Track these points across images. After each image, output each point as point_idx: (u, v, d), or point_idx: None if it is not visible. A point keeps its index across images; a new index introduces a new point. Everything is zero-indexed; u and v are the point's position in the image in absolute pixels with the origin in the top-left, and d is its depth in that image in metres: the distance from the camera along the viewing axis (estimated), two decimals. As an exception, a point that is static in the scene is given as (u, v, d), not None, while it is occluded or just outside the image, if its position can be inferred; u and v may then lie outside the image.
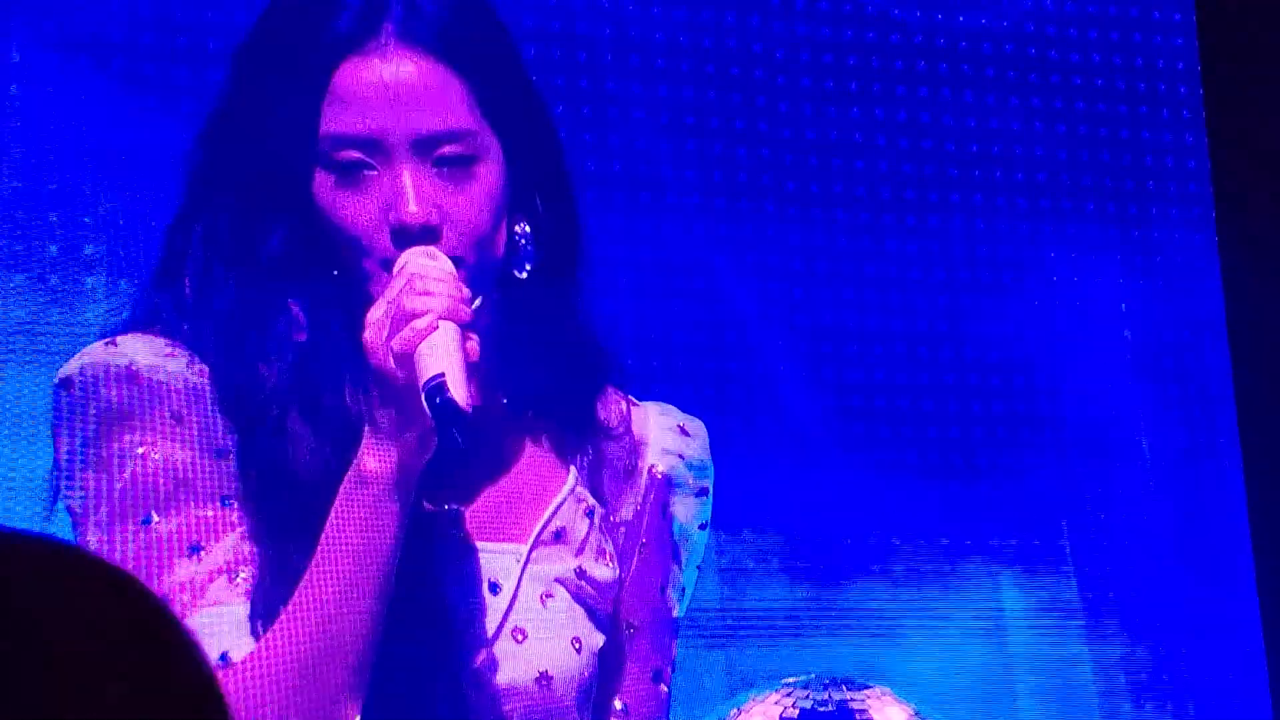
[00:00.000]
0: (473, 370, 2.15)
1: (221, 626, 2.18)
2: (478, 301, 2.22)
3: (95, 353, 2.25)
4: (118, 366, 2.23)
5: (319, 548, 2.15)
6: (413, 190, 2.21)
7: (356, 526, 2.17)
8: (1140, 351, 3.36)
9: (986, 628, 3.17)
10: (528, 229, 2.33)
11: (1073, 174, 3.38)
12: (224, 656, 2.15)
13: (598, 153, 3.06)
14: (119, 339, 2.28)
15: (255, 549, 2.17)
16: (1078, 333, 3.34)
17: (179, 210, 2.33)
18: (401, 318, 2.08)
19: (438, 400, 2.01)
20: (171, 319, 2.28)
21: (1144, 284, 3.39)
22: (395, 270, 2.19)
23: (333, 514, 2.15)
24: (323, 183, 2.27)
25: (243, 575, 2.17)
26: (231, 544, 2.19)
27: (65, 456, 2.26)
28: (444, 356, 2.05)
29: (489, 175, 2.32)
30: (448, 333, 2.07)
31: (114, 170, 2.64)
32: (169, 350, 2.25)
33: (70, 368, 2.25)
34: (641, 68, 3.09)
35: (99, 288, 2.60)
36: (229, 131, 2.37)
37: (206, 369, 2.23)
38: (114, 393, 2.21)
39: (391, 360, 2.07)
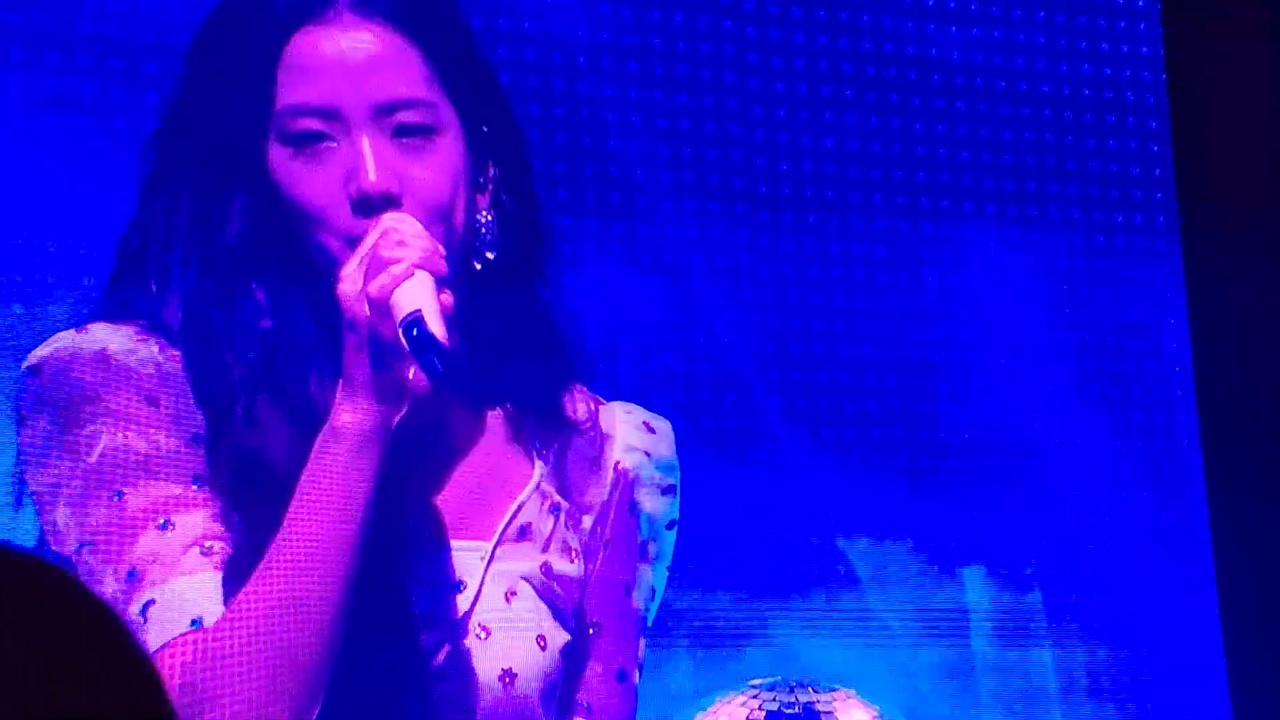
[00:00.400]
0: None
1: (194, 593, 2.18)
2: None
3: (65, 339, 2.25)
4: (89, 351, 2.22)
5: (291, 505, 2.15)
6: (372, 158, 2.20)
7: (329, 482, 2.17)
8: (1101, 354, 3.43)
9: (951, 630, 3.21)
10: (490, 218, 2.34)
11: (1042, 181, 3.45)
12: (196, 621, 2.16)
13: (570, 154, 3.08)
14: (89, 326, 2.28)
15: (225, 529, 2.18)
16: (1045, 337, 3.40)
17: (140, 199, 2.34)
18: (377, 265, 2.09)
19: (415, 332, 2.02)
20: (141, 307, 2.28)
21: (1106, 289, 3.46)
22: (370, 230, 2.21)
23: (306, 471, 2.15)
24: (280, 156, 2.25)
25: (216, 548, 2.17)
26: (202, 520, 2.19)
27: (33, 441, 2.26)
28: (420, 299, 2.07)
29: (449, 149, 2.31)
30: (423, 280, 2.08)
31: (78, 164, 2.64)
32: (140, 336, 2.25)
33: (40, 354, 2.24)
34: (613, 70, 3.11)
35: (61, 285, 2.61)
36: (186, 114, 2.37)
37: (179, 354, 2.24)
38: (85, 376, 2.20)
39: (366, 307, 2.08)
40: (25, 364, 2.29)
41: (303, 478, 2.18)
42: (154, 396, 2.24)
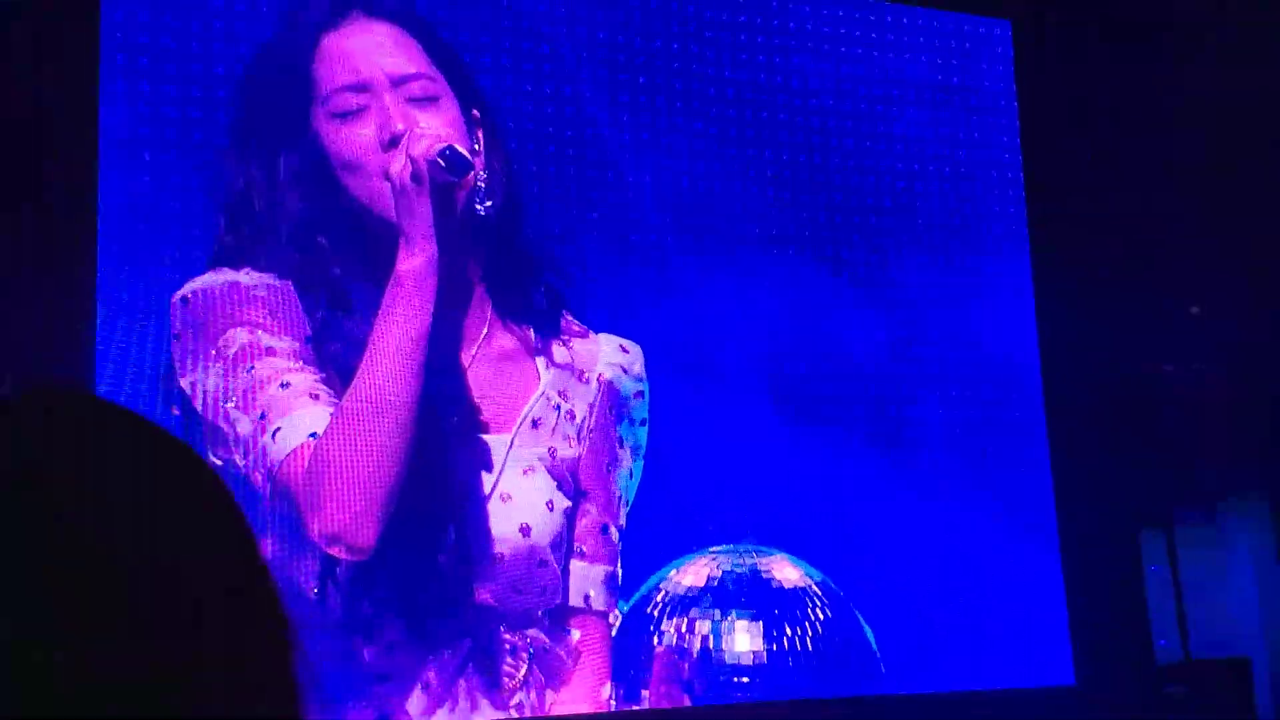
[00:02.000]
0: (468, 288, 3.24)
1: (310, 419, 3.12)
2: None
3: (204, 278, 3.24)
4: (222, 284, 3.21)
5: (370, 339, 3.10)
6: (396, 111, 3.29)
7: (395, 316, 3.14)
8: (975, 352, 4.14)
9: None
10: (484, 175, 3.31)
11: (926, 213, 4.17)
12: (313, 434, 3.10)
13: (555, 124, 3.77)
14: (218, 269, 3.27)
15: (330, 390, 3.14)
16: (935, 340, 4.11)
17: (228, 181, 3.32)
18: (414, 140, 3.15)
19: (448, 154, 3.16)
20: (255, 253, 3.27)
21: (979, 301, 4.17)
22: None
23: (378, 316, 3.13)
24: (328, 127, 3.32)
25: (322, 395, 3.13)
26: (310, 379, 3.15)
27: (184, 351, 3.21)
28: (449, 141, 3.19)
29: (448, 110, 3.40)
30: (447, 141, 3.20)
31: (186, 161, 3.47)
32: (252, 272, 3.26)
33: (187, 289, 3.21)
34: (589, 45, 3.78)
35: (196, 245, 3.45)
36: (254, 112, 3.39)
37: (289, 283, 3.22)
38: (221, 299, 3.19)
39: (409, 175, 3.12)
40: (176, 297, 3.25)
41: (376, 321, 3.18)
42: (274, 308, 3.22)
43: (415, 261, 3.17)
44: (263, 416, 3.10)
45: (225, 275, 3.26)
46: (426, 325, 3.15)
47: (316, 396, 3.11)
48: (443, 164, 3.12)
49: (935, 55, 4.22)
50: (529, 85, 3.61)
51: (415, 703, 3.23)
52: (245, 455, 3.12)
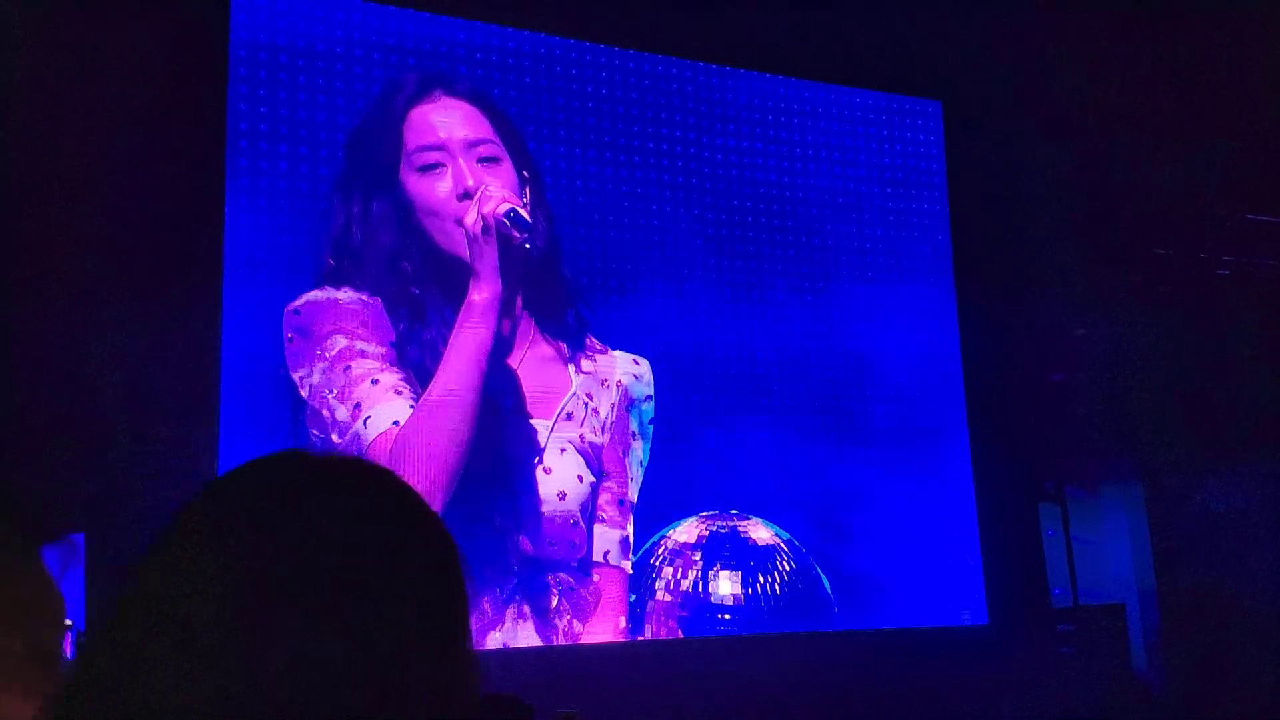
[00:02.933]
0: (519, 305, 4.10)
1: (394, 411, 3.90)
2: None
3: (312, 294, 4.01)
4: (326, 299, 4.02)
5: (444, 357, 3.89)
6: (469, 171, 4.13)
7: (466, 338, 3.95)
8: (910, 361, 4.91)
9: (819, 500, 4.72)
10: (531, 221, 4.04)
11: (876, 251, 4.98)
12: (396, 422, 3.87)
13: (580, 178, 4.64)
14: (324, 287, 4.01)
15: (411, 387, 3.92)
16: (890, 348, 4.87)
17: (337, 217, 4.02)
18: (485, 199, 3.94)
19: (512, 215, 3.93)
20: (352, 276, 4.01)
21: (913, 320, 4.97)
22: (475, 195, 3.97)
23: (452, 335, 3.92)
24: (415, 179, 4.11)
25: (405, 392, 3.89)
26: (396, 378, 3.91)
27: (296, 352, 3.94)
28: (512, 204, 3.95)
29: (507, 173, 4.26)
30: (511, 200, 3.98)
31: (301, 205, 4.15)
32: (352, 290, 4.02)
33: (298, 303, 4.00)
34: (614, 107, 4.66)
35: (306, 269, 4.12)
36: (357, 163, 4.12)
37: (378, 300, 3.99)
38: (326, 312, 3.96)
39: (481, 228, 3.91)
40: (289, 308, 3.98)
41: (452, 336, 3.97)
42: (366, 320, 4.00)
43: (484, 294, 3.96)
44: (357, 406, 3.83)
45: (328, 293, 3.97)
46: (489, 342, 3.92)
47: (400, 392, 3.87)
48: (508, 223, 3.90)
49: (876, 128, 5.07)
50: (564, 151, 4.46)
51: (472, 624, 3.93)
52: (341, 435, 3.82)
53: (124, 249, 3.68)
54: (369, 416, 3.80)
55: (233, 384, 3.81)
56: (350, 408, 3.81)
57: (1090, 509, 5.14)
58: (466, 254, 3.97)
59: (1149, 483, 5.13)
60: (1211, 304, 5.08)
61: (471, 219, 3.96)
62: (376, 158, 4.10)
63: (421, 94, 4.19)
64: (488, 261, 3.93)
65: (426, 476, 3.81)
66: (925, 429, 4.92)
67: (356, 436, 3.78)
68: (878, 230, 5.02)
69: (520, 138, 4.32)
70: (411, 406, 3.84)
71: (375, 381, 3.83)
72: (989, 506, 4.86)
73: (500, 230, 3.92)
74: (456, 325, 3.93)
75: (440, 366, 3.88)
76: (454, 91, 4.22)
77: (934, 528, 4.84)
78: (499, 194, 3.98)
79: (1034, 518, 5.03)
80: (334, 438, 3.79)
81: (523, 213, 3.93)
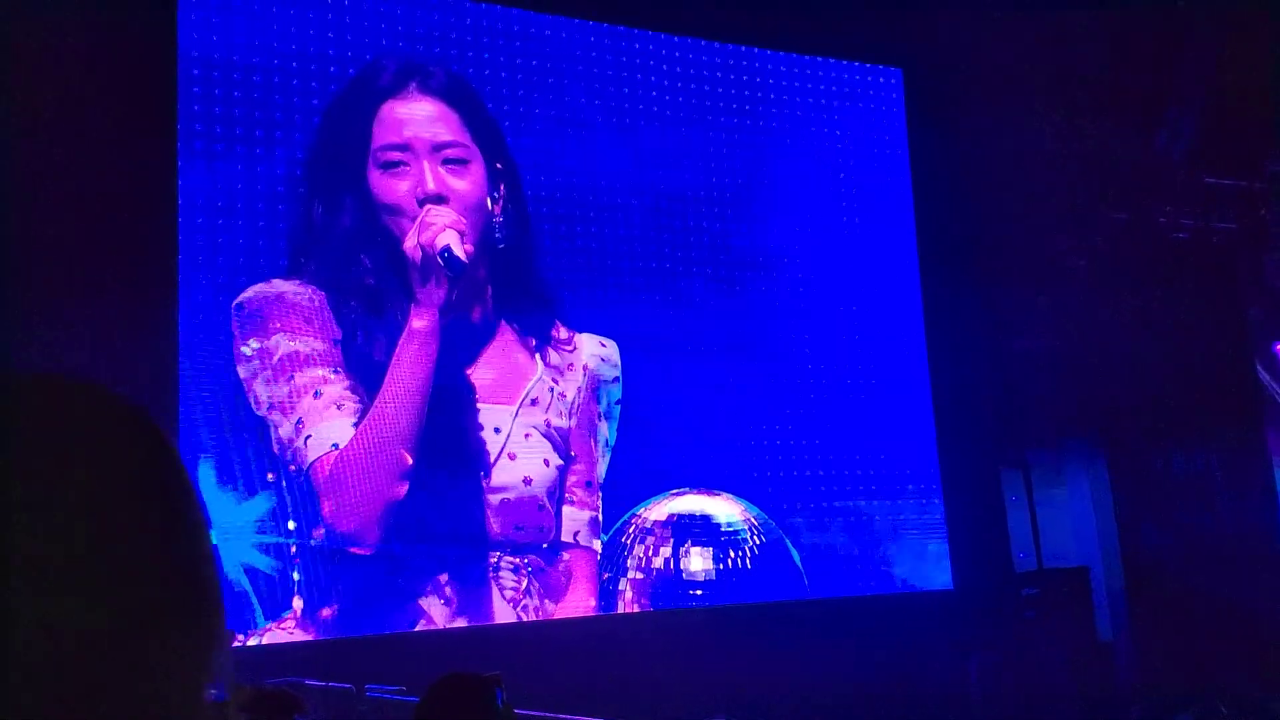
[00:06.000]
0: (478, 289, 3.99)
1: (333, 431, 3.81)
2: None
3: (258, 287, 3.90)
4: (272, 294, 3.92)
5: (386, 378, 3.83)
6: (431, 175, 4.06)
7: (407, 363, 3.86)
8: (875, 337, 4.92)
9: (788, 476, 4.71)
10: (501, 218, 4.04)
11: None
12: (335, 445, 3.78)
13: (555, 169, 4.57)
14: (271, 280, 3.92)
15: (354, 395, 3.86)
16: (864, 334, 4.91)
17: (301, 205, 3.95)
18: (423, 228, 3.86)
19: (446, 254, 3.84)
20: (301, 267, 3.94)
21: (879, 295, 4.96)
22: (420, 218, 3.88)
23: (393, 358, 3.84)
24: (376, 175, 4.01)
25: (347, 406, 3.83)
26: (339, 390, 3.85)
27: (241, 347, 3.84)
28: (451, 239, 3.90)
29: (476, 173, 4.16)
30: (450, 234, 3.89)
31: (260, 189, 4.09)
32: (301, 284, 3.95)
33: (243, 296, 3.89)
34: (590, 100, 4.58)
35: (262, 259, 4.07)
36: (323, 154, 4.01)
37: (323, 294, 3.92)
38: (271, 308, 3.87)
39: (421, 255, 3.83)
40: (234, 303, 3.88)
41: (392, 360, 3.89)
42: (310, 317, 3.92)
43: (423, 322, 3.93)
44: (299, 423, 3.76)
45: (275, 287, 3.86)
46: (430, 370, 3.86)
47: (341, 406, 3.79)
48: (441, 262, 3.81)
49: (839, 99, 4.97)
50: (545, 145, 4.36)
51: (440, 611, 3.93)
52: (283, 450, 3.75)
53: (78, 248, 3.58)
54: (309, 436, 3.76)
55: (190, 380, 3.72)
56: (293, 423, 3.75)
57: (1053, 474, 5.15)
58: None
59: (1111, 447, 5.13)
60: (1171, 267, 5.07)
61: (411, 244, 3.94)
62: (342, 149, 4.01)
63: (396, 87, 4.10)
64: (427, 291, 3.93)
65: (359, 514, 3.77)
66: (889, 397, 4.91)
67: (297, 454, 3.76)
68: (840, 200, 4.96)
69: (496, 130, 4.25)
70: (354, 425, 3.78)
71: (318, 394, 3.77)
72: (953, 473, 4.88)
73: (439, 260, 3.88)
74: (396, 353, 3.90)
75: (379, 394, 3.82)
76: (428, 87, 4.12)
77: (900, 498, 4.85)
78: (441, 222, 3.91)
79: (997, 484, 5.03)
80: (282, 453, 3.75)
81: (458, 251, 3.85)
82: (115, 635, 0.49)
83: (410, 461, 3.91)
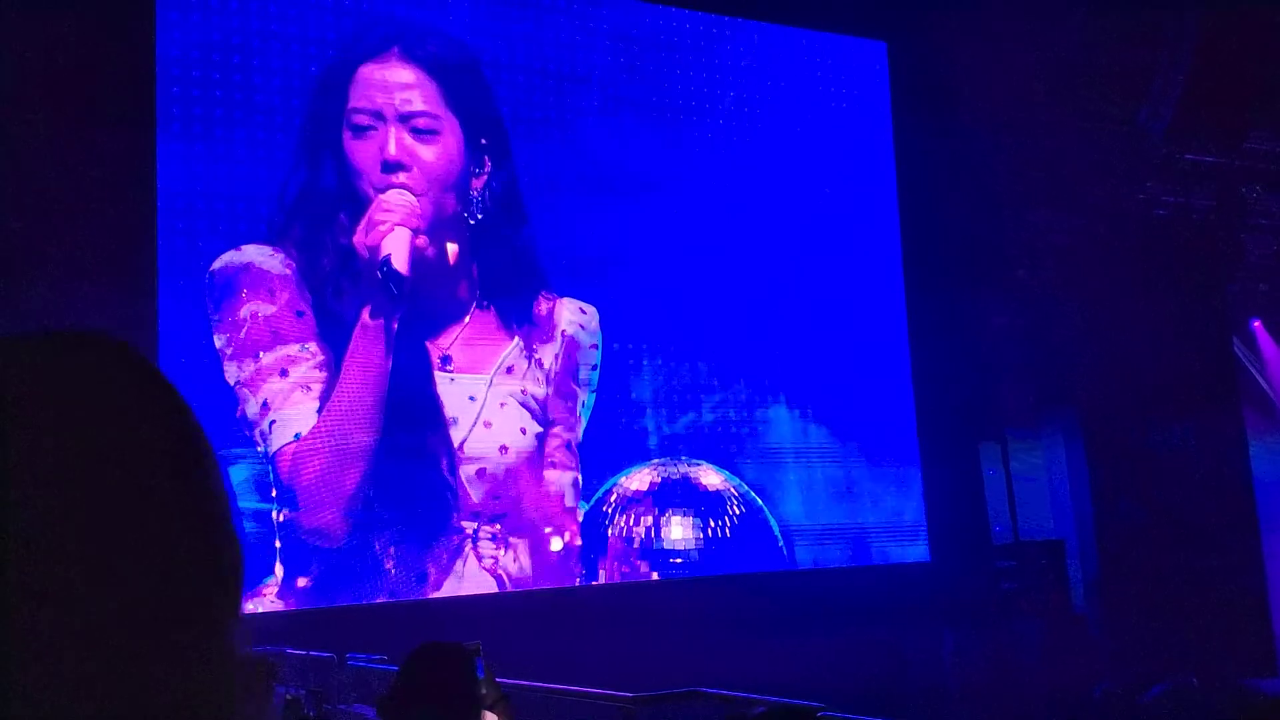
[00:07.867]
0: (451, 270, 3.93)
1: (297, 418, 3.76)
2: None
3: (228, 256, 3.85)
4: (241, 262, 3.86)
5: (344, 365, 3.78)
6: (395, 141, 3.99)
7: (363, 352, 3.80)
8: (858, 319, 4.92)
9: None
10: (482, 194, 3.99)
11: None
12: (298, 435, 3.73)
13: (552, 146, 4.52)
14: (243, 247, 3.86)
15: (321, 372, 3.80)
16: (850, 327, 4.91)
17: (286, 162, 3.87)
18: (370, 225, 3.80)
19: (384, 269, 3.77)
20: (275, 233, 3.89)
21: (861, 278, 4.97)
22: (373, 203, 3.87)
23: (349, 347, 3.79)
24: (348, 137, 3.96)
25: (314, 387, 3.77)
26: (306, 369, 3.80)
27: (213, 315, 3.78)
28: (395, 245, 3.86)
29: (447, 144, 4.09)
30: (400, 233, 3.87)
31: (240, 155, 4.04)
32: (272, 252, 3.89)
33: (215, 264, 3.83)
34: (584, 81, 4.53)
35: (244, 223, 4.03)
36: (305, 114, 3.95)
37: (294, 262, 3.86)
38: (240, 277, 3.80)
39: (366, 252, 3.79)
40: (209, 271, 3.81)
41: (344, 360, 3.82)
42: (275, 288, 3.83)
43: (373, 320, 3.84)
44: (265, 405, 3.71)
45: (245, 254, 3.78)
46: (384, 362, 3.80)
47: (308, 388, 3.73)
48: (380, 275, 3.75)
49: (823, 71, 4.92)
50: (539, 116, 4.31)
51: (419, 581, 3.91)
52: (250, 430, 3.72)
53: (59, 223, 3.54)
54: (274, 421, 3.73)
55: (172, 342, 3.67)
56: (259, 404, 3.73)
57: (1029, 449, 5.15)
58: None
59: (1088, 422, 5.14)
60: (1150, 244, 5.07)
61: (358, 240, 3.90)
62: (324, 111, 3.99)
63: (377, 50, 4.05)
64: (375, 291, 3.89)
65: (323, 512, 3.75)
66: (869, 372, 4.90)
67: (264, 435, 3.74)
68: (822, 174, 4.92)
69: (483, 107, 4.19)
70: (317, 411, 3.75)
71: (284, 373, 3.73)
72: (931, 449, 4.88)
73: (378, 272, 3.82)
74: (350, 347, 3.86)
75: (335, 390, 3.79)
76: (410, 54, 4.06)
77: (880, 470, 4.85)
78: (391, 220, 3.86)
79: (975, 457, 5.03)
80: (246, 432, 3.73)
81: (398, 263, 3.79)
82: (154, 604, 0.46)
83: (373, 443, 3.86)
